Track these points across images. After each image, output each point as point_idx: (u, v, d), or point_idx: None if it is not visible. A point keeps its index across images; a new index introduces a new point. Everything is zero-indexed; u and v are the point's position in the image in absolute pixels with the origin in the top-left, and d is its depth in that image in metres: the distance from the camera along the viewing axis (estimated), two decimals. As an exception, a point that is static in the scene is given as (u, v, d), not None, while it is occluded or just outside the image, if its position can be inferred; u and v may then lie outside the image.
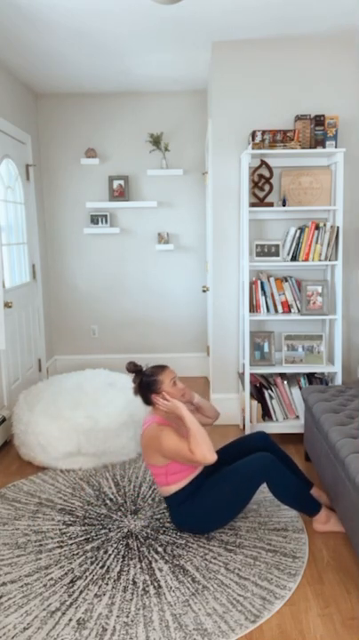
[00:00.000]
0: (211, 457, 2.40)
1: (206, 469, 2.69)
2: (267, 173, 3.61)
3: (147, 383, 2.58)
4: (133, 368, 2.62)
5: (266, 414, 3.65)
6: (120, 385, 3.77)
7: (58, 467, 3.31)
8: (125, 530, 2.62)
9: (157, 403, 2.56)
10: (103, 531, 2.62)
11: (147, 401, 2.61)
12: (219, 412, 2.96)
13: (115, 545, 2.50)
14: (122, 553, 2.44)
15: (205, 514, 2.51)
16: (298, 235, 3.49)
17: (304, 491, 2.55)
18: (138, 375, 2.62)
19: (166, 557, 2.40)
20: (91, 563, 2.38)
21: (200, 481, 2.56)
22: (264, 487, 2.95)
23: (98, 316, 5.28)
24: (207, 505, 2.50)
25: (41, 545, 2.53)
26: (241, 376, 3.83)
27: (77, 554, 2.45)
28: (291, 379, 3.73)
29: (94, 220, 5.05)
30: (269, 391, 3.60)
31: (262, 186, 3.63)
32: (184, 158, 5.01)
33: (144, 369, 2.65)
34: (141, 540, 2.54)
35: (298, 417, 3.65)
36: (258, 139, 3.43)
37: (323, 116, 3.46)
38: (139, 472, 3.25)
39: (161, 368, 2.62)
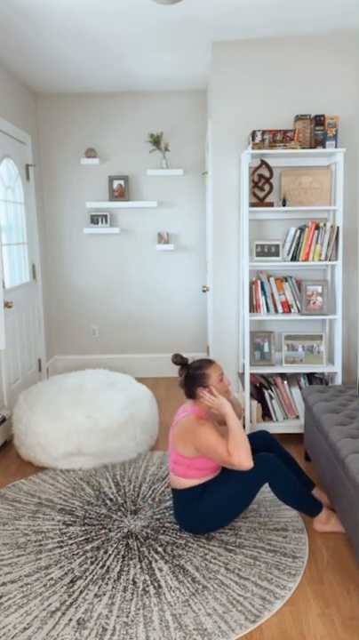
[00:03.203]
0: (248, 463, 2.37)
1: None
2: (267, 173, 3.61)
3: (194, 376, 2.55)
4: (180, 360, 2.58)
5: (266, 414, 3.65)
6: (120, 385, 3.77)
7: (58, 467, 3.31)
8: (125, 530, 2.62)
9: (203, 397, 2.53)
10: (103, 531, 2.62)
11: (192, 394, 2.58)
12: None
13: (115, 545, 2.50)
14: (122, 553, 2.44)
15: (208, 514, 2.50)
16: (298, 235, 3.49)
17: (305, 491, 2.55)
18: (184, 367, 2.59)
19: (166, 557, 2.40)
20: (91, 563, 2.38)
21: (209, 483, 2.54)
22: (265, 487, 2.95)
23: (98, 315, 5.28)
24: (210, 506, 2.49)
25: (41, 545, 2.53)
26: (241, 376, 3.83)
27: (77, 554, 2.45)
28: (291, 379, 3.73)
29: (94, 219, 5.05)
30: (269, 391, 3.60)
31: (262, 186, 3.63)
32: (184, 158, 5.01)
33: (190, 362, 2.61)
34: (141, 539, 2.54)
35: (298, 417, 3.65)
36: (258, 139, 3.43)
37: (323, 115, 3.46)
38: (139, 472, 3.25)
39: (209, 362, 2.59)
